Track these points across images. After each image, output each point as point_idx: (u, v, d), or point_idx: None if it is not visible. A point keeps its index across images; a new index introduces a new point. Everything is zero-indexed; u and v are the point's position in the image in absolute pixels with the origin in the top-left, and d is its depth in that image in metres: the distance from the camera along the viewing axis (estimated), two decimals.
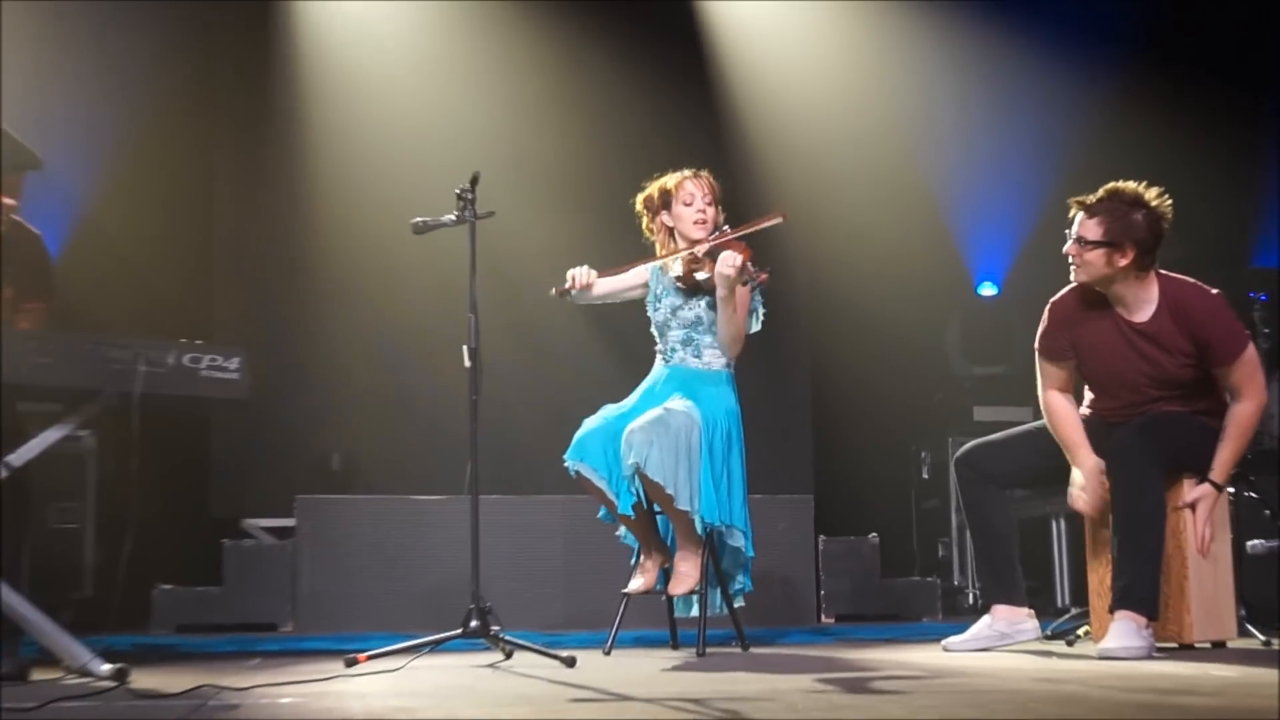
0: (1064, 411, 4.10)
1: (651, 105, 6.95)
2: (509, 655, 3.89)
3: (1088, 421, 4.11)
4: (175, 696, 2.91)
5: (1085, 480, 4.00)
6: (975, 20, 7.08)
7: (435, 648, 3.83)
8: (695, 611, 4.14)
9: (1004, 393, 6.98)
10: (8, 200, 3.65)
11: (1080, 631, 4.23)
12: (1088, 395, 4.20)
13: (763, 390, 6.23)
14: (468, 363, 3.88)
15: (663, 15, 7.08)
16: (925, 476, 7.09)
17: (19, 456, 3.32)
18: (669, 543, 4.23)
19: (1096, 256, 3.93)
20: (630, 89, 6.89)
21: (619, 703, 2.80)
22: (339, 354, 6.80)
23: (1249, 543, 4.46)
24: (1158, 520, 3.86)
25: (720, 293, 4.07)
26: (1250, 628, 4.17)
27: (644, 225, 4.38)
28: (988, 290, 7.66)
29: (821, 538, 5.70)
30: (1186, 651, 3.92)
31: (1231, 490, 4.13)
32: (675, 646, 4.38)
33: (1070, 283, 4.08)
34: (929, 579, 5.97)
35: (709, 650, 4.05)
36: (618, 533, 4.31)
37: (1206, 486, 3.94)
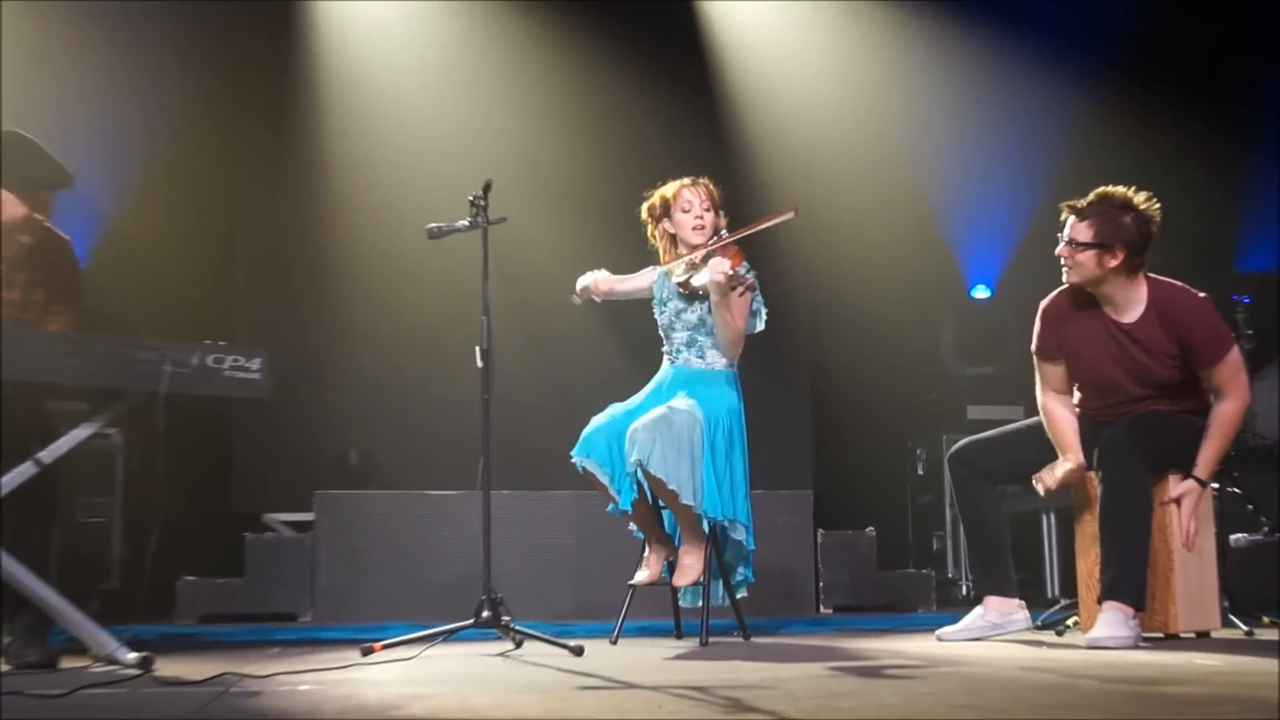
0: (1060, 415, 4.10)
1: (656, 114, 6.96)
2: (519, 644, 3.89)
3: (1077, 420, 4.11)
4: (199, 684, 2.92)
5: (1059, 466, 4.01)
6: (969, 32, 7.08)
7: (448, 637, 3.84)
8: (699, 602, 4.15)
9: (996, 392, 6.99)
10: (37, 215, 3.66)
11: (1069, 622, 4.23)
12: (1076, 394, 4.19)
13: (764, 389, 6.21)
14: (480, 363, 3.88)
15: (668, 28, 7.10)
16: (920, 472, 7.08)
17: (50, 453, 3.33)
18: (674, 536, 4.23)
19: (1087, 258, 3.93)
20: (636, 99, 6.91)
21: (625, 690, 2.80)
22: (356, 355, 6.81)
23: (1232, 536, 4.46)
24: (1144, 515, 3.86)
25: (713, 298, 4.08)
26: (1233, 618, 4.16)
27: (649, 233, 4.39)
28: (981, 293, 7.66)
29: (820, 531, 5.70)
30: (1172, 641, 3.92)
31: (1215, 486, 4.13)
32: (679, 636, 4.38)
33: (1063, 284, 4.08)
34: (924, 571, 5.96)
35: (712, 640, 4.05)
36: (630, 527, 4.30)
37: (1191, 483, 3.94)
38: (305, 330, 6.79)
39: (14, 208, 3.60)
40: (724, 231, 4.24)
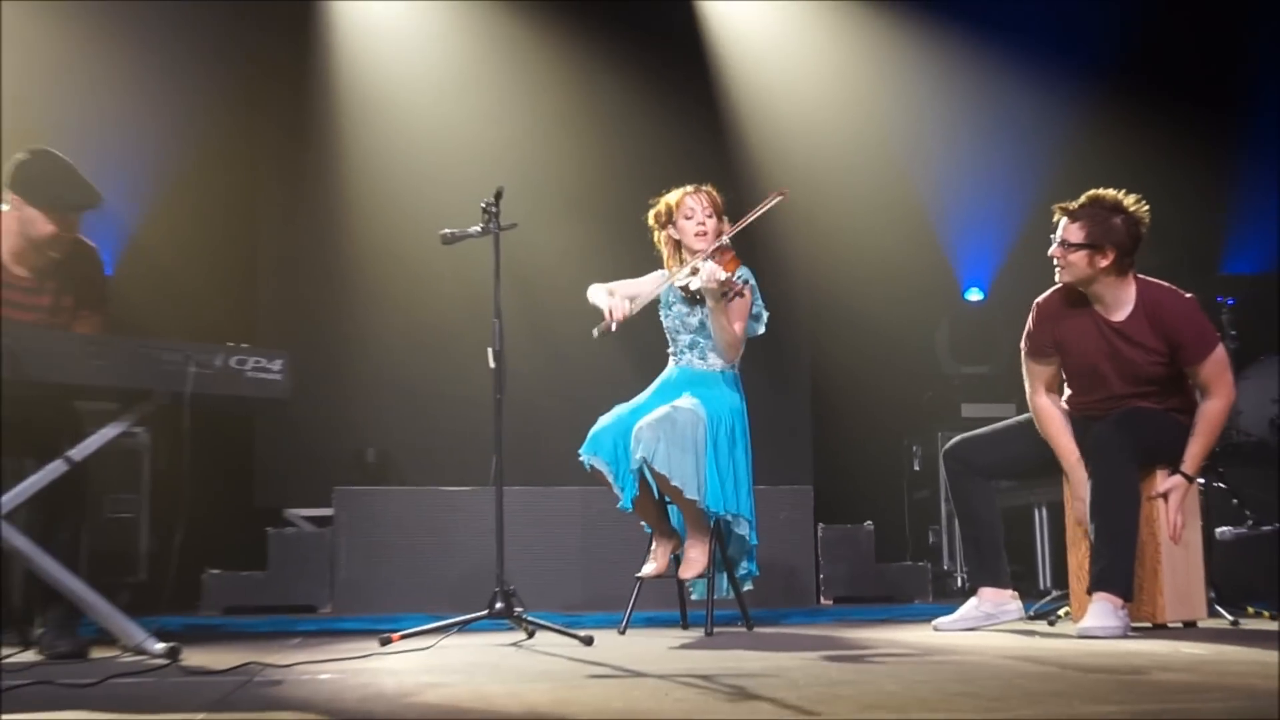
0: (1051, 414, 4.09)
1: (662, 123, 6.96)
2: (531, 634, 3.90)
3: (1066, 417, 4.11)
4: (223, 673, 2.92)
5: (1075, 489, 4.00)
6: (963, 40, 7.08)
7: (463, 628, 3.84)
8: (704, 594, 4.16)
9: (989, 391, 6.98)
10: (65, 235, 3.67)
11: (1061, 612, 4.23)
12: (1066, 391, 4.19)
13: (766, 388, 6.23)
14: (492, 364, 3.89)
15: (674, 39, 7.12)
16: (916, 468, 7.08)
17: (79, 452, 3.34)
18: (680, 531, 4.24)
19: (1079, 258, 3.93)
20: (643, 108, 6.92)
21: (633, 678, 2.81)
22: (373, 356, 6.84)
23: (1218, 529, 4.45)
24: (1133, 508, 3.86)
25: (709, 303, 4.08)
26: (1219, 608, 4.15)
27: (654, 238, 4.39)
28: (974, 295, 7.65)
29: (820, 525, 5.70)
30: (1160, 630, 3.92)
31: (1202, 481, 4.13)
32: (685, 626, 4.39)
33: (1055, 284, 4.09)
34: (920, 564, 5.96)
35: (716, 630, 4.06)
36: (642, 521, 4.31)
37: (1178, 478, 3.93)
38: (324, 333, 6.81)
39: (43, 226, 3.62)
40: (726, 239, 4.24)
